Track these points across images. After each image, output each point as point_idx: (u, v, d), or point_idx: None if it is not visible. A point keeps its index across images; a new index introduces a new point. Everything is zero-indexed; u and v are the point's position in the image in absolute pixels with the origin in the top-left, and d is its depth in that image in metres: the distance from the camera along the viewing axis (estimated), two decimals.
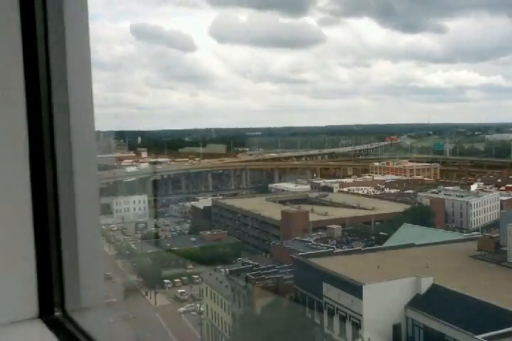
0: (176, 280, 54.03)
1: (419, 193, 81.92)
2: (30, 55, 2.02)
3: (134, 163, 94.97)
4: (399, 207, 72.09)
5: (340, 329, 33.31)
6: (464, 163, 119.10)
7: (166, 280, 53.53)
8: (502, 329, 26.36)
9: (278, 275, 40.49)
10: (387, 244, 48.47)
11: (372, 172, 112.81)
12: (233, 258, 58.91)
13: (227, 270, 45.53)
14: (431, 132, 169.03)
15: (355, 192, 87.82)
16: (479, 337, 26.07)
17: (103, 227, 63.95)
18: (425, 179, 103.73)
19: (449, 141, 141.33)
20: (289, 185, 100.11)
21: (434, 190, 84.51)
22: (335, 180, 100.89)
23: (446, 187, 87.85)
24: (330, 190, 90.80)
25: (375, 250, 42.74)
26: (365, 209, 74.76)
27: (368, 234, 58.36)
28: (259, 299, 38.00)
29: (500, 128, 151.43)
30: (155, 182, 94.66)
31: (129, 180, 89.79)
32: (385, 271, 34.48)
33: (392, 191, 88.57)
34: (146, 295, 51.70)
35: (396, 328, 31.22)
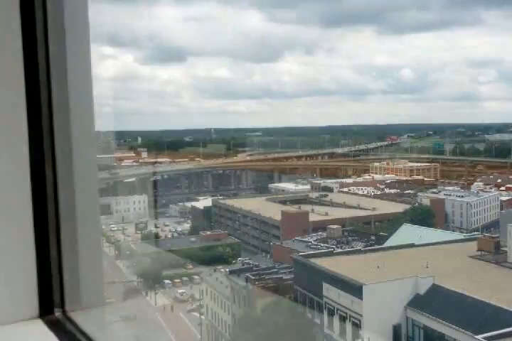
0: (176, 280, 54.04)
1: (419, 193, 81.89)
2: (30, 55, 2.02)
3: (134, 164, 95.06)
4: (399, 207, 72.08)
5: (340, 329, 33.31)
6: (464, 163, 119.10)
7: (166, 281, 53.54)
8: (502, 329, 26.35)
9: (278, 276, 40.49)
10: (387, 244, 48.43)
11: (373, 173, 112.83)
12: (233, 258, 58.90)
13: (228, 270, 45.52)
14: (431, 132, 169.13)
15: (356, 192, 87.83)
16: (479, 337, 26.07)
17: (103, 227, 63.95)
18: (425, 179, 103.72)
19: (449, 141, 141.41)
20: (289, 185, 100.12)
21: (434, 190, 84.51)
22: (335, 180, 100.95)
23: (447, 188, 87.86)
24: (330, 190, 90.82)
25: (375, 250, 42.72)
26: (365, 209, 74.77)
27: (368, 234, 58.33)
28: (260, 299, 38.00)
29: (500, 128, 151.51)
30: (154, 183, 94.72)
31: (129, 180, 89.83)
32: (385, 271, 34.47)
33: (392, 191, 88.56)
34: (146, 295, 51.73)
35: (396, 328, 31.22)
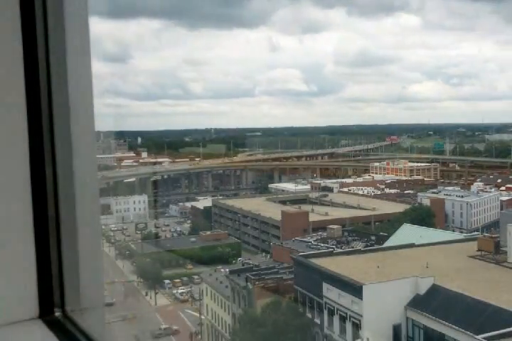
0: (176, 280, 54.07)
1: (419, 193, 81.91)
2: (30, 54, 2.02)
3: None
4: (399, 207, 72.12)
5: (341, 329, 33.31)
6: (464, 163, 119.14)
7: (166, 281, 53.58)
8: (502, 329, 26.35)
9: (278, 276, 40.50)
10: (387, 244, 48.45)
11: (373, 173, 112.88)
12: (233, 258, 58.94)
13: (227, 270, 45.54)
14: (431, 132, 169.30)
15: (356, 192, 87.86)
16: (479, 337, 26.07)
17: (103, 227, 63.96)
18: (425, 179, 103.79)
19: (449, 141, 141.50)
20: (289, 185, 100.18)
21: (434, 190, 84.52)
22: (335, 181, 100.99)
23: (447, 188, 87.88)
24: (330, 190, 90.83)
25: (375, 250, 42.70)
26: (365, 209, 74.82)
27: (368, 234, 58.35)
28: (259, 299, 38.00)
29: (500, 128, 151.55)
30: (155, 183, 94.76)
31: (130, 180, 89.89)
32: (385, 271, 34.47)
33: (392, 191, 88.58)
34: (146, 295, 51.77)
35: (396, 328, 31.21)
